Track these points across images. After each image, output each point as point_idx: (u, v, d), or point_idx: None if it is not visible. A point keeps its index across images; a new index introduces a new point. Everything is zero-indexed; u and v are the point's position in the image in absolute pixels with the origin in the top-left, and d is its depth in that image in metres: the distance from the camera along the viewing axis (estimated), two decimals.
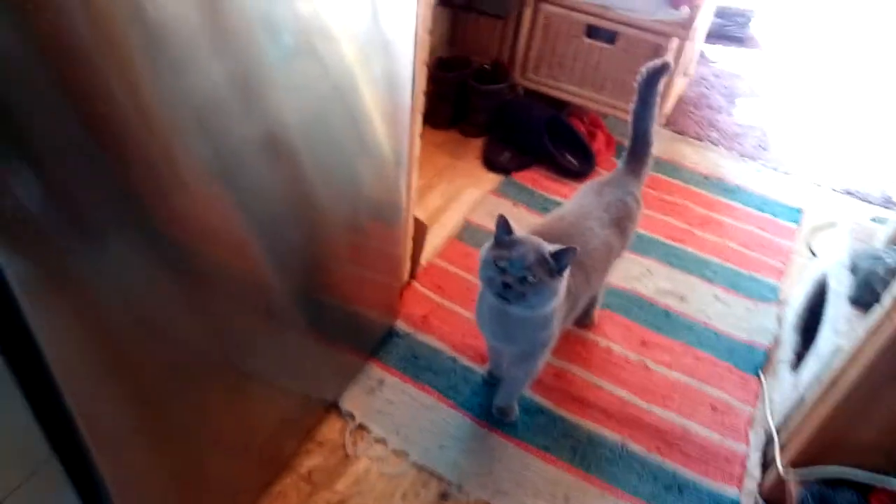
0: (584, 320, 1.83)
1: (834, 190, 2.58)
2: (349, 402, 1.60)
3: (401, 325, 1.79)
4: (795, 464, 1.43)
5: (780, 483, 1.46)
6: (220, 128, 0.87)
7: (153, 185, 0.81)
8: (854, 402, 1.30)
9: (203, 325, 1.01)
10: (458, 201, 2.26)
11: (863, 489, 1.30)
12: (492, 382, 1.66)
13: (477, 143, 2.54)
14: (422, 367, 1.70)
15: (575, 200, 1.58)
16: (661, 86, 1.51)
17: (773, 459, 1.53)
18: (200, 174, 0.87)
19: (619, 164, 1.64)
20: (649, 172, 1.66)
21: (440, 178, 2.35)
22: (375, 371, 1.68)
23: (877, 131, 3.01)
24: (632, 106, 1.55)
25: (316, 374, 1.48)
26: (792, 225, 2.36)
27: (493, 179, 2.38)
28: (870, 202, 2.54)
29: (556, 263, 1.21)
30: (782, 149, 2.76)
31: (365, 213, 1.40)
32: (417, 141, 1.59)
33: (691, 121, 2.84)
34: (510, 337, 1.36)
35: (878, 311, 1.28)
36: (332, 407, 1.58)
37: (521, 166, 2.43)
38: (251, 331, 1.15)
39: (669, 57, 2.36)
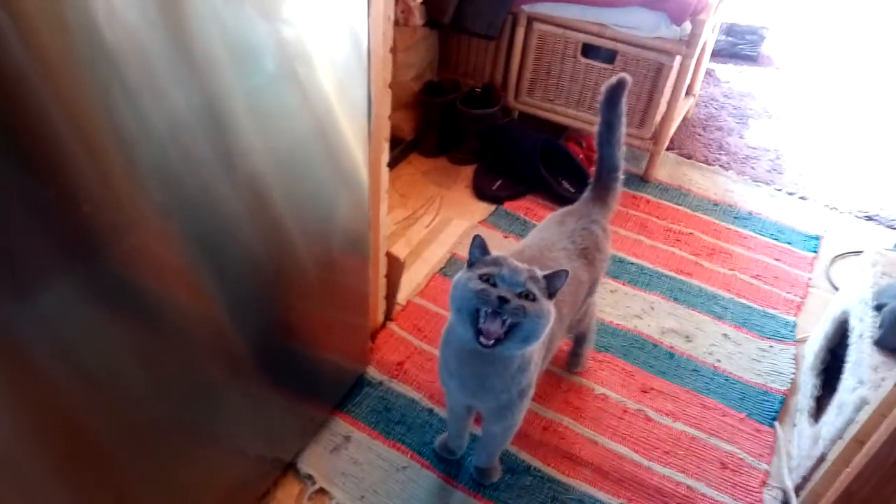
0: (574, 364, 1.66)
1: (854, 215, 2.38)
2: (309, 462, 1.43)
3: (372, 372, 1.63)
4: None
5: None
6: (181, 160, 0.81)
7: (100, 225, 0.74)
8: (883, 464, 1.10)
9: (148, 375, 0.92)
10: (445, 233, 2.10)
11: None
12: (449, 458, 1.47)
13: (467, 171, 2.39)
14: (394, 421, 1.53)
15: (535, 233, 1.43)
16: (624, 105, 1.36)
17: None
18: (155, 212, 0.81)
19: (585, 192, 1.47)
20: (619, 195, 1.48)
21: (426, 208, 2.20)
22: (341, 426, 1.51)
23: None
24: (595, 129, 1.41)
25: (272, 429, 1.33)
26: (809, 254, 2.16)
27: (483, 209, 2.23)
28: (894, 228, 2.33)
29: (547, 286, 1.06)
30: (798, 172, 2.57)
31: (334, 247, 1.28)
32: (384, 170, 1.44)
33: (699, 143, 2.67)
34: (485, 387, 1.18)
35: None
36: (289, 468, 1.42)
37: (514, 195, 2.28)
38: (201, 382, 1.04)
39: (672, 75, 2.21)
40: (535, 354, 1.20)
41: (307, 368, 1.38)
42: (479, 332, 1.02)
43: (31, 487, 0.80)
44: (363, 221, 1.36)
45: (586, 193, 1.47)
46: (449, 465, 1.45)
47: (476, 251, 1.10)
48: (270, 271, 1.10)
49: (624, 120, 1.39)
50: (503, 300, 0.99)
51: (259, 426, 1.27)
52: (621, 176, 1.47)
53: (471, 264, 1.10)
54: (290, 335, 1.26)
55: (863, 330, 1.41)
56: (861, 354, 1.35)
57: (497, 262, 1.06)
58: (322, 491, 1.39)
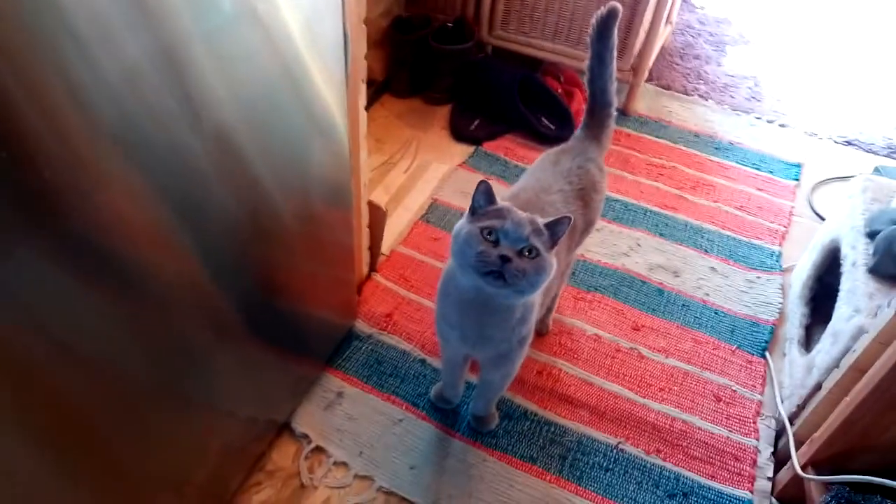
0: (539, 327, 1.58)
1: (834, 141, 2.37)
2: (303, 421, 1.39)
3: (361, 326, 1.58)
4: (817, 463, 1.24)
5: (797, 481, 1.28)
6: (143, 113, 0.74)
7: (62, 184, 0.67)
8: (887, 392, 1.11)
9: (130, 343, 0.86)
10: (424, 179, 2.03)
11: None
12: (445, 408, 1.44)
13: (443, 112, 2.30)
14: (387, 374, 1.49)
15: (530, 173, 1.37)
16: (615, 37, 1.29)
17: (787, 454, 1.35)
18: (119, 170, 0.74)
19: (578, 129, 1.41)
20: (612, 133, 1.43)
21: (403, 152, 2.12)
22: (333, 382, 1.47)
23: (876, 75, 2.79)
24: (586, 63, 1.34)
25: (263, 390, 1.28)
26: (791, 182, 2.15)
27: (462, 151, 2.15)
28: (874, 152, 2.33)
29: (549, 236, 1.01)
30: (776, 99, 2.54)
31: (314, 199, 1.20)
32: (362, 114, 1.36)
33: (677, 73, 2.60)
34: (485, 337, 1.14)
35: None
36: (284, 428, 1.38)
37: (493, 135, 2.20)
38: (186, 346, 0.98)
39: (652, 1, 2.13)
40: (537, 301, 1.17)
41: (295, 326, 1.33)
42: (489, 273, 0.96)
43: (10, 462, 0.74)
44: (343, 170, 1.29)
45: (578, 132, 1.41)
46: (445, 414, 1.43)
47: (481, 198, 1.02)
48: (249, 227, 1.03)
49: (615, 53, 1.32)
50: (504, 259, 0.94)
51: (249, 388, 1.22)
52: (615, 112, 1.41)
53: (473, 212, 1.03)
54: (275, 292, 1.20)
55: (856, 258, 1.40)
56: (855, 283, 1.35)
57: (501, 213, 0.99)
58: (319, 449, 1.36)
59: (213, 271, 0.98)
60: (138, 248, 0.82)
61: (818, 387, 1.34)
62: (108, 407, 0.86)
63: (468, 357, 1.34)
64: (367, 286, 1.67)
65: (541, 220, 1.01)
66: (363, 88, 1.34)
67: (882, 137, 2.39)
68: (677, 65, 2.65)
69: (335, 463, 1.34)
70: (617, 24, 1.28)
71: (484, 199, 1.02)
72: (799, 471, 1.25)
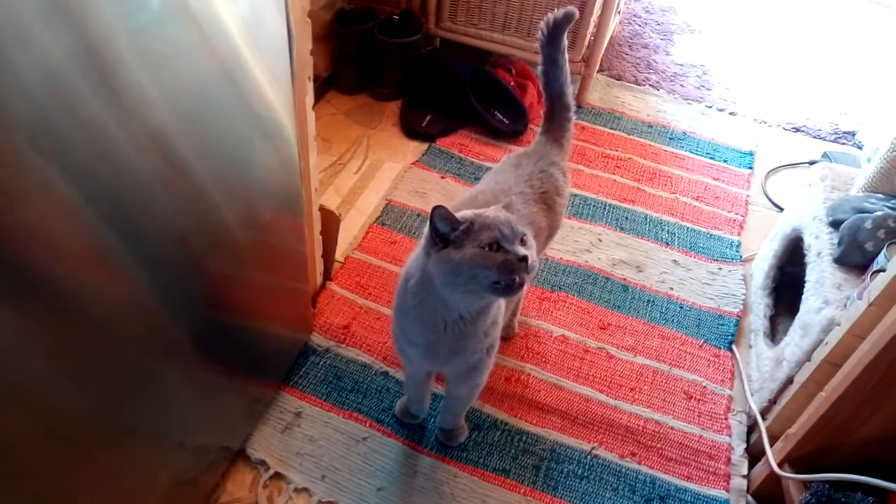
0: (504, 331, 1.47)
1: (783, 128, 2.38)
2: (259, 446, 1.30)
3: (317, 339, 1.49)
4: (794, 460, 1.22)
5: (774, 478, 1.25)
6: (67, 120, 0.66)
7: None
8: (865, 386, 1.09)
9: (59, 369, 0.77)
10: (377, 178, 1.94)
11: (880, 490, 1.10)
12: (411, 423, 1.37)
13: (392, 108, 2.21)
14: (347, 390, 1.41)
15: (490, 177, 1.31)
16: (566, 40, 1.25)
17: (761, 449, 1.33)
18: (43, 182, 0.65)
19: (538, 134, 1.36)
20: (573, 136, 1.39)
21: (353, 152, 2.02)
22: (290, 401, 1.37)
23: (820, 62, 2.83)
24: (539, 69, 1.29)
25: (215, 416, 1.19)
26: (745, 171, 2.15)
27: (415, 148, 2.07)
28: (821, 137, 2.36)
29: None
30: (725, 87, 2.55)
31: (262, 206, 1.11)
32: (310, 114, 1.27)
33: (627, 63, 2.58)
34: (455, 351, 1.06)
35: (888, 276, 1.07)
36: (239, 455, 1.28)
37: (446, 131, 2.13)
38: (125, 370, 0.88)
39: None
40: (502, 307, 1.10)
41: (246, 344, 1.23)
42: (506, 288, 0.89)
43: None
44: (292, 174, 1.19)
45: (539, 136, 1.35)
46: (412, 430, 1.36)
47: (445, 225, 0.91)
48: (192, 238, 0.94)
49: (567, 54, 1.27)
50: (525, 259, 0.88)
51: (199, 414, 1.13)
52: (573, 115, 1.36)
53: (444, 240, 0.91)
54: (223, 308, 1.10)
55: (820, 248, 1.39)
56: (822, 273, 1.33)
57: (484, 224, 0.91)
58: (278, 476, 1.26)
59: (154, 287, 0.89)
60: (66, 265, 0.72)
61: (790, 380, 1.32)
62: (38, 440, 0.78)
63: (433, 372, 1.27)
64: (323, 296, 1.57)
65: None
66: (310, 87, 1.24)
67: (828, 123, 2.42)
68: (626, 54, 2.63)
69: (296, 489, 1.25)
70: (568, 28, 1.23)
71: (446, 224, 0.91)
72: (776, 468, 1.23)
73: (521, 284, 0.89)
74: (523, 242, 0.92)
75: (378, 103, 2.22)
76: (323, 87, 2.22)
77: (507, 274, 0.88)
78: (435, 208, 0.91)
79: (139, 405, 0.95)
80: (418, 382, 1.29)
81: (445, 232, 0.92)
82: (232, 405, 1.24)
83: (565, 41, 1.25)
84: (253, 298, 1.20)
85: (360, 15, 2.19)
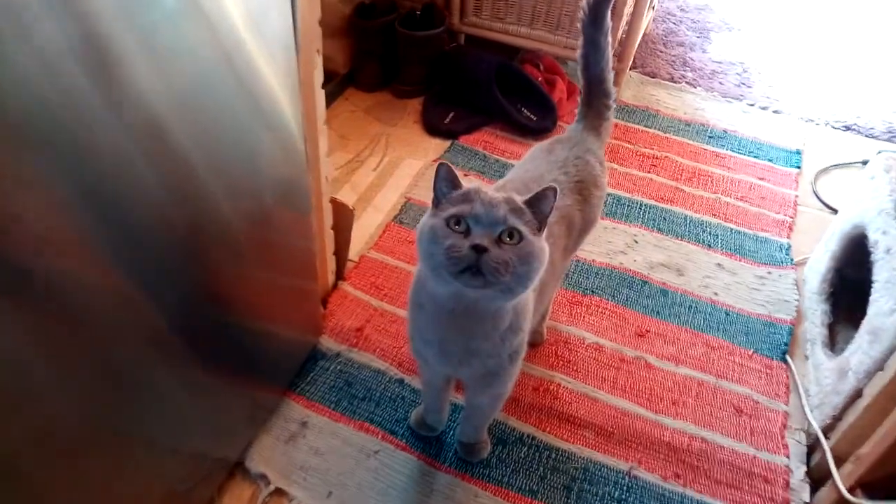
0: (532, 337, 1.38)
1: (832, 126, 2.22)
2: (260, 458, 1.17)
3: (328, 343, 1.37)
4: (867, 485, 1.06)
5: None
6: (65, 113, 0.61)
7: None
8: None
9: (41, 371, 0.69)
10: (396, 176, 1.83)
11: None
12: (428, 436, 1.24)
13: (414, 105, 2.10)
14: (359, 398, 1.28)
15: (519, 166, 1.18)
16: (609, 20, 1.12)
17: (824, 473, 1.17)
18: (36, 173, 0.61)
19: (574, 122, 1.23)
20: (612, 127, 1.26)
21: (372, 149, 1.92)
22: (295, 410, 1.25)
23: (871, 57, 2.66)
24: (578, 52, 1.17)
25: (212, 423, 1.07)
26: (793, 170, 1.99)
27: (436, 146, 1.95)
28: (874, 136, 2.19)
29: (533, 215, 0.82)
30: (768, 85, 2.39)
31: (265, 199, 1.01)
32: (318, 93, 1.16)
33: (662, 61, 2.45)
34: (469, 352, 0.93)
35: None
36: (237, 467, 1.16)
37: (470, 128, 2.01)
38: (115, 373, 0.80)
39: None
40: (529, 305, 0.97)
41: (249, 346, 1.11)
42: (464, 271, 0.76)
43: None
44: (296, 164, 1.08)
45: (575, 124, 1.22)
46: (429, 443, 1.22)
47: (442, 185, 0.84)
48: (190, 233, 0.85)
49: (610, 38, 1.15)
50: (478, 249, 0.75)
51: (195, 420, 1.02)
52: (613, 103, 1.23)
53: (437, 203, 0.84)
54: (224, 308, 0.99)
55: (889, 244, 1.23)
56: (894, 272, 1.18)
57: (467, 196, 0.81)
58: (279, 492, 1.14)
59: (151, 288, 0.81)
60: (54, 257, 0.65)
61: (857, 393, 1.16)
62: (16, 449, 0.70)
63: (451, 377, 1.14)
64: (334, 297, 1.45)
65: (518, 198, 0.82)
66: (319, 61, 1.14)
67: (882, 121, 2.25)
68: (661, 52, 2.50)
69: None
70: (611, 5, 1.11)
71: (446, 184, 0.83)
72: (846, 494, 1.07)
73: (475, 277, 0.75)
74: (509, 237, 0.78)
75: (399, 100, 2.12)
76: (342, 84, 2.12)
77: (452, 258, 0.76)
78: (440, 164, 0.82)
79: (128, 409, 0.85)
80: (436, 389, 1.16)
81: (442, 193, 0.83)
82: (231, 412, 1.12)
83: (608, 22, 1.13)
84: (254, 297, 1.08)
85: (381, 8, 2.09)
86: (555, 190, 0.82)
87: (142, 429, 0.89)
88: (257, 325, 1.12)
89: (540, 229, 0.82)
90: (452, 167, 0.83)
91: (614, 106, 1.24)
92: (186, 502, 1.08)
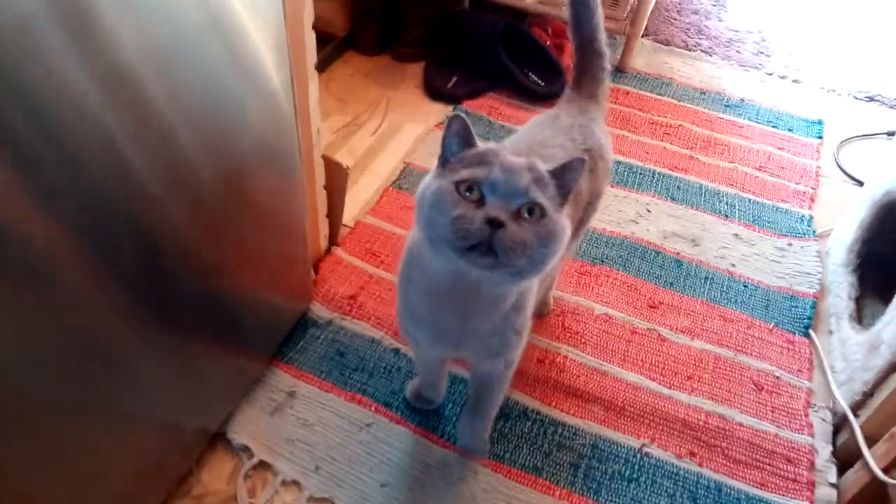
0: (537, 307, 1.28)
1: (854, 97, 2.11)
2: (243, 429, 1.09)
3: (319, 310, 1.28)
4: None
5: (874, 487, 1.01)
6: (34, 71, 0.56)
7: None
8: None
9: (7, 342, 0.63)
10: (395, 140, 1.73)
11: None
12: (425, 409, 1.15)
13: (415, 69, 2.00)
14: (351, 368, 1.19)
15: (523, 130, 1.07)
16: None
17: (852, 453, 1.08)
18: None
19: (568, 91, 1.10)
20: (609, 91, 1.14)
21: (370, 113, 1.82)
22: (282, 379, 1.17)
23: (895, 26, 2.54)
24: (566, 10, 1.06)
25: (189, 391, 0.99)
26: (814, 140, 1.89)
27: (438, 111, 1.86)
28: None
29: (557, 188, 0.71)
30: (787, 54, 2.28)
31: (254, 161, 0.92)
32: (309, 42, 1.06)
33: (676, 29, 2.34)
34: (467, 332, 0.81)
35: None
36: (217, 439, 1.08)
37: (474, 92, 1.91)
38: (86, 338, 0.72)
39: None
40: (535, 284, 0.86)
41: (229, 311, 1.02)
42: (473, 248, 0.65)
43: None
44: (282, 116, 0.98)
45: (570, 93, 1.09)
46: (425, 416, 1.14)
47: (453, 142, 0.71)
48: (161, 188, 0.76)
49: None
50: (495, 224, 0.63)
51: (170, 387, 0.93)
52: (608, 65, 1.10)
53: (444, 162, 0.72)
54: (200, 271, 0.90)
55: None
56: None
57: (483, 158, 0.69)
58: (263, 465, 1.06)
59: (110, 243, 0.71)
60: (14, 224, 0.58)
61: (892, 368, 1.07)
62: None
63: (445, 357, 1.04)
64: (327, 262, 1.36)
65: (542, 165, 0.70)
66: (309, 4, 1.04)
67: None
68: (675, 20, 2.39)
69: (284, 482, 1.04)
70: None
71: (458, 142, 0.71)
72: (880, 474, 0.98)
73: (485, 256, 0.64)
74: (528, 214, 0.67)
75: (400, 64, 2.02)
76: (340, 46, 2.02)
77: (461, 232, 0.64)
78: (454, 117, 0.70)
79: (96, 375, 0.77)
80: (432, 365, 1.07)
81: (451, 153, 0.71)
82: (211, 379, 1.03)
83: None
84: (236, 259, 0.99)
85: None
86: (583, 161, 0.71)
87: (107, 395, 0.80)
88: (238, 289, 1.03)
89: (562, 203, 0.71)
90: (468, 122, 0.71)
91: (609, 68, 1.11)
92: (161, 475, 1.00)
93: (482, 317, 0.79)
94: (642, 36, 2.20)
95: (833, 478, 1.10)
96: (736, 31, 2.37)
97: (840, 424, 1.17)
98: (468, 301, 0.76)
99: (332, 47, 1.98)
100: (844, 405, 1.16)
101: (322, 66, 1.90)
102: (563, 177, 0.71)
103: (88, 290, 0.70)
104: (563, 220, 0.70)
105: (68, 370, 0.72)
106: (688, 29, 2.34)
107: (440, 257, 0.70)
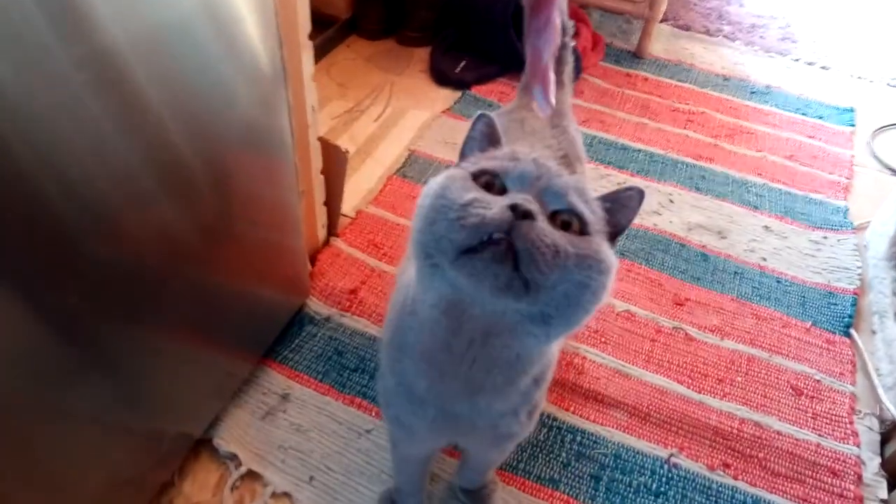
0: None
1: (887, 84, 2.00)
2: (230, 435, 0.99)
3: (316, 305, 1.18)
4: None
5: None
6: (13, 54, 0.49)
7: None
8: None
9: None
10: (400, 127, 1.63)
11: None
12: None
13: (421, 54, 1.90)
14: (350, 369, 1.09)
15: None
16: None
17: None
18: None
19: (523, 76, 0.90)
20: (574, 76, 0.98)
21: (373, 99, 1.72)
22: (275, 380, 1.06)
23: None
24: None
25: (173, 394, 0.89)
26: (846, 129, 1.78)
27: (446, 97, 1.75)
28: None
29: (608, 219, 0.52)
30: (812, 40, 2.17)
31: (241, 140, 0.83)
32: (302, 13, 0.96)
33: (696, 14, 2.23)
34: (477, 412, 0.61)
35: None
36: (202, 446, 0.98)
37: (483, 77, 1.81)
38: (49, 332, 0.63)
39: None
40: (557, 351, 0.68)
41: (215, 306, 0.92)
42: (483, 248, 0.44)
43: None
44: (272, 93, 0.87)
45: (525, 79, 0.93)
46: None
47: (475, 147, 0.57)
48: (144, 173, 0.67)
49: None
50: (520, 213, 0.44)
51: (153, 390, 0.84)
52: (571, 41, 0.94)
53: (462, 157, 0.57)
54: (182, 263, 0.80)
55: None
56: None
57: (513, 154, 0.53)
58: (252, 475, 0.95)
59: (86, 231, 0.63)
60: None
61: None
62: None
63: (438, 447, 0.85)
64: (325, 254, 1.26)
65: (588, 186, 0.52)
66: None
67: None
68: (695, 4, 2.28)
69: (275, 494, 0.94)
70: None
71: (481, 140, 0.57)
72: None
73: (499, 262, 0.44)
74: (566, 226, 0.48)
75: (405, 48, 1.92)
76: (343, 30, 1.92)
77: (471, 218, 0.45)
78: (481, 115, 0.57)
79: (66, 376, 0.67)
80: (418, 464, 0.85)
81: (469, 149, 0.57)
82: (196, 380, 0.94)
83: None
84: (224, 250, 0.89)
85: None
86: (642, 194, 0.53)
87: (81, 398, 0.71)
88: (226, 281, 0.93)
89: (614, 235, 0.53)
90: (495, 121, 0.57)
91: (572, 45, 0.96)
92: (140, 485, 0.90)
93: (497, 389, 0.57)
94: (661, 21, 2.09)
95: (884, 493, 0.99)
96: (759, 16, 2.26)
97: (888, 433, 1.06)
98: (475, 361, 0.54)
99: (333, 30, 1.88)
100: (893, 412, 1.05)
101: (323, 51, 1.80)
102: (616, 209, 0.52)
103: (61, 282, 0.61)
104: (612, 255, 0.49)
105: (40, 375, 0.64)
106: (708, 14, 2.23)
107: (435, 279, 0.50)
